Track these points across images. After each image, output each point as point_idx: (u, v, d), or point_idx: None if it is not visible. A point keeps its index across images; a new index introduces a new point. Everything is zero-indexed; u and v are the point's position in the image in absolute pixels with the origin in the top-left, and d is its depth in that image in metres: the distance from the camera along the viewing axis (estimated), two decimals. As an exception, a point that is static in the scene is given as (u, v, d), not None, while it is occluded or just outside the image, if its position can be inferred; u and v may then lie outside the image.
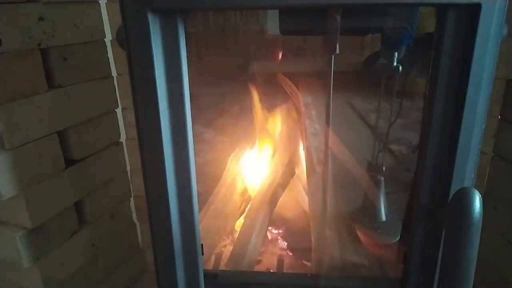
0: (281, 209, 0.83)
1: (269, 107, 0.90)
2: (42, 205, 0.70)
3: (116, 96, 0.87)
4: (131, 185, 0.96)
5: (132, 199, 0.97)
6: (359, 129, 0.90)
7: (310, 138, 0.81)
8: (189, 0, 0.44)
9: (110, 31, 0.83)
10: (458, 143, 0.46)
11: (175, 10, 0.45)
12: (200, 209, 0.55)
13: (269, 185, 0.78)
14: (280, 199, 0.79)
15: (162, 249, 0.55)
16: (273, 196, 0.76)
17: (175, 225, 0.53)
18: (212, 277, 0.60)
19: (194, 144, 0.51)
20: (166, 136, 0.49)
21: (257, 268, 0.72)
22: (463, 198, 0.44)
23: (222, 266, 0.71)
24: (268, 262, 0.74)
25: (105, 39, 0.83)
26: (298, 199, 0.83)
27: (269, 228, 0.79)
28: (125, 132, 0.94)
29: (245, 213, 0.80)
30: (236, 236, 0.74)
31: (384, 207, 0.75)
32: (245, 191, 0.84)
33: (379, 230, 0.74)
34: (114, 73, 0.86)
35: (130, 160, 0.94)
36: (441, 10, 0.43)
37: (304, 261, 0.74)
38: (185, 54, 0.47)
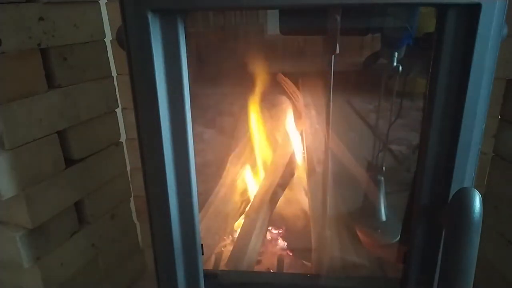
0: (281, 209, 0.83)
1: (269, 107, 0.90)
2: (42, 205, 0.70)
3: (116, 96, 0.87)
4: (131, 185, 0.96)
5: (132, 199, 0.97)
6: (359, 129, 0.90)
7: (310, 138, 0.81)
8: (189, 0, 0.44)
9: (110, 31, 0.83)
10: (458, 143, 0.46)
11: (175, 10, 0.45)
12: (200, 209, 0.55)
13: (269, 185, 0.78)
14: (280, 199, 0.79)
15: (162, 249, 0.55)
16: (273, 196, 0.76)
17: (175, 225, 0.53)
18: (212, 277, 0.60)
19: (194, 144, 0.51)
20: (166, 136, 0.49)
21: (257, 268, 0.72)
22: (463, 198, 0.44)
23: (222, 266, 0.71)
24: (268, 262, 0.74)
25: (105, 39, 0.83)
26: (298, 199, 0.83)
27: (269, 228, 0.79)
28: (125, 132, 0.94)
29: (245, 213, 0.80)
30: (236, 236, 0.74)
31: (384, 207, 0.75)
32: (245, 191, 0.84)
33: (379, 230, 0.74)
34: (114, 73, 0.86)
35: (130, 160, 0.94)
36: (441, 10, 0.43)
37: (304, 261, 0.74)
38: (185, 54, 0.47)
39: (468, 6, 0.42)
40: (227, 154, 0.88)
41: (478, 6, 0.41)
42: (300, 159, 0.83)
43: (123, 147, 0.92)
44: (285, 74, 0.92)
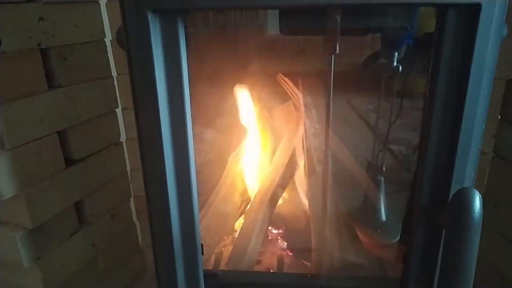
0: (281, 209, 0.83)
1: (269, 107, 0.90)
2: (42, 205, 0.70)
3: (116, 96, 0.87)
4: (131, 185, 0.96)
5: (132, 199, 0.97)
6: (359, 129, 0.90)
7: (310, 138, 0.81)
8: (189, 0, 0.44)
9: (110, 31, 0.83)
10: (458, 143, 0.46)
11: (175, 10, 0.45)
12: (200, 209, 0.55)
13: (269, 185, 0.78)
14: (280, 199, 0.79)
15: (162, 249, 0.55)
16: (273, 196, 0.76)
17: (175, 225, 0.53)
18: (212, 277, 0.60)
19: (194, 144, 0.51)
20: (166, 136, 0.49)
21: (257, 268, 0.72)
22: (463, 198, 0.44)
23: (222, 266, 0.71)
24: (268, 262, 0.74)
25: (105, 39, 0.83)
26: (298, 199, 0.83)
27: (269, 228, 0.79)
28: (125, 132, 0.94)
29: (245, 213, 0.80)
30: (236, 236, 0.74)
31: (384, 207, 0.75)
32: (245, 191, 0.84)
33: (379, 230, 0.74)
34: (114, 73, 0.86)
35: (130, 160, 0.94)
36: (441, 10, 0.43)
37: (304, 261, 0.74)
38: (185, 54, 0.47)
39: (468, 6, 0.42)
40: (227, 154, 0.88)
41: (478, 6, 0.41)
42: (300, 159, 0.83)
43: (123, 147, 0.92)
44: (285, 74, 0.92)
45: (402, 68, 0.63)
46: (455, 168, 0.47)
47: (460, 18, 0.42)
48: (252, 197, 0.82)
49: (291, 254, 0.77)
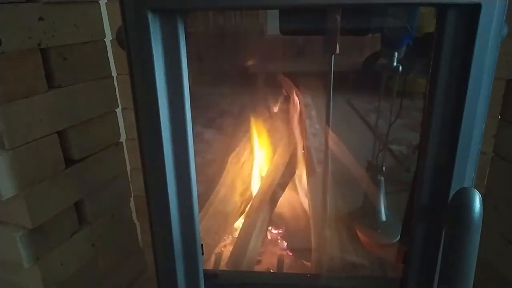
0: (281, 209, 0.83)
1: (269, 107, 0.90)
2: (42, 205, 0.70)
3: (116, 96, 0.87)
4: (131, 185, 0.96)
5: (132, 199, 0.97)
6: (359, 129, 0.90)
7: (310, 138, 0.81)
8: (189, 0, 0.44)
9: (110, 31, 0.83)
10: (458, 143, 0.46)
11: (175, 10, 0.45)
12: (200, 209, 0.55)
13: (269, 185, 0.78)
14: (280, 199, 0.79)
15: (162, 249, 0.55)
16: (273, 196, 0.76)
17: (175, 225, 0.53)
18: (212, 277, 0.60)
19: (194, 144, 0.51)
20: (166, 136, 0.49)
21: (257, 268, 0.72)
22: (463, 198, 0.44)
23: (222, 266, 0.71)
24: (268, 262, 0.74)
25: (105, 39, 0.83)
26: (298, 199, 0.84)
27: (269, 228, 0.79)
28: (125, 132, 0.94)
29: (245, 213, 0.80)
30: (236, 236, 0.74)
31: (384, 207, 0.75)
32: (245, 191, 0.84)
33: (379, 230, 0.74)
34: (114, 73, 0.86)
35: (130, 160, 0.94)
36: (441, 10, 0.43)
37: (304, 261, 0.74)
38: (185, 54, 0.47)
39: (468, 6, 0.42)
40: (227, 154, 0.88)
41: (478, 6, 0.41)
42: (300, 159, 0.83)
43: (123, 147, 0.92)
44: (285, 74, 0.92)
45: (402, 68, 0.63)
46: (455, 168, 0.47)
47: (460, 18, 0.42)
48: (252, 197, 0.82)
49: (291, 254, 0.77)
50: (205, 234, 0.71)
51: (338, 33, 0.54)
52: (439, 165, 0.48)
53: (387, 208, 0.75)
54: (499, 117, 0.81)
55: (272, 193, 0.76)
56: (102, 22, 0.82)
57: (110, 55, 0.85)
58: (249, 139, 0.89)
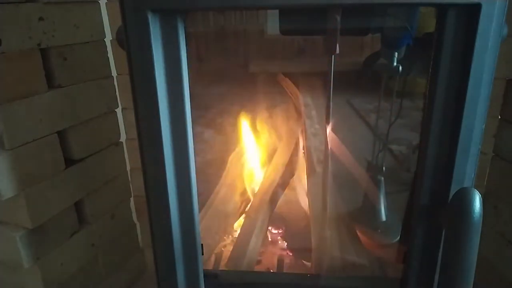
0: (281, 209, 0.83)
1: (269, 107, 0.90)
2: (42, 205, 0.70)
3: (116, 96, 0.87)
4: (131, 185, 0.96)
5: (132, 199, 0.97)
6: (359, 129, 0.90)
7: (310, 138, 0.81)
8: (189, 0, 0.44)
9: (110, 31, 0.83)
10: (458, 143, 0.46)
11: (175, 10, 0.45)
12: (200, 209, 0.55)
13: (269, 185, 0.78)
14: (280, 199, 0.79)
15: (162, 249, 0.55)
16: (273, 196, 0.76)
17: (175, 225, 0.53)
18: (212, 277, 0.60)
19: (194, 144, 0.51)
20: (166, 136, 0.49)
21: (257, 268, 0.72)
22: (463, 198, 0.44)
23: (222, 266, 0.71)
24: (268, 262, 0.74)
25: (105, 39, 0.83)
26: (298, 199, 0.83)
27: (269, 228, 0.79)
28: (125, 132, 0.94)
29: (245, 213, 0.80)
30: (236, 236, 0.74)
31: (384, 207, 0.75)
32: (245, 191, 0.84)
33: (379, 230, 0.74)
34: (114, 73, 0.86)
35: (130, 160, 0.94)
36: (441, 10, 0.43)
37: (304, 261, 0.74)
38: (185, 54, 0.47)
39: (468, 6, 0.42)
40: (227, 154, 0.88)
41: (478, 6, 0.41)
42: (300, 159, 0.83)
43: (123, 147, 0.92)
44: (285, 74, 0.92)
45: (402, 68, 0.63)
46: (455, 168, 0.47)
47: (460, 18, 0.42)
48: (252, 197, 0.82)
49: (291, 254, 0.77)
50: (205, 234, 0.71)
51: (338, 33, 0.54)
52: (439, 165, 0.48)
53: (387, 208, 0.75)
54: (499, 117, 0.81)
55: (272, 193, 0.76)
56: (102, 22, 0.82)
57: (110, 55, 0.85)
58: (249, 139, 0.89)
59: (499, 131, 0.81)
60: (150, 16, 0.44)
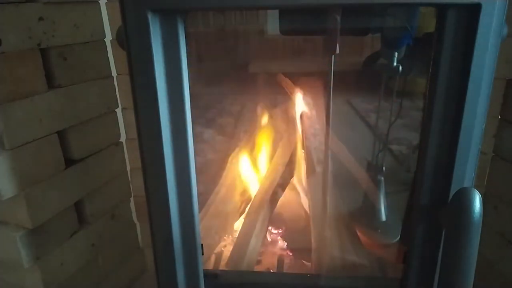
0: (281, 209, 0.83)
1: (269, 107, 0.90)
2: (42, 205, 0.70)
3: (116, 96, 0.87)
4: (131, 185, 0.96)
5: (132, 199, 0.97)
6: (359, 129, 0.90)
7: (310, 138, 0.81)
8: (189, 0, 0.44)
9: (110, 31, 0.83)
10: (458, 143, 0.46)
11: (175, 10, 0.45)
12: (200, 209, 0.55)
13: (269, 185, 0.78)
14: (280, 199, 0.79)
15: (162, 249, 0.55)
16: (273, 196, 0.76)
17: (175, 225, 0.53)
18: (212, 277, 0.60)
19: (194, 144, 0.51)
20: (166, 136, 0.49)
21: (257, 268, 0.72)
22: (463, 198, 0.44)
23: (222, 266, 0.71)
24: (268, 262, 0.74)
25: (105, 39, 0.83)
26: (298, 199, 0.84)
27: (269, 228, 0.79)
28: (125, 132, 0.94)
29: (245, 213, 0.80)
30: (236, 236, 0.74)
31: (384, 207, 0.75)
32: (245, 191, 0.84)
33: (379, 230, 0.74)
34: (114, 73, 0.86)
35: (130, 160, 0.94)
36: (441, 10, 0.43)
37: (304, 261, 0.74)
38: (185, 54, 0.47)
39: (468, 6, 0.42)
40: (227, 154, 0.88)
41: (478, 6, 0.41)
42: (300, 159, 0.83)
43: (123, 147, 0.92)
44: (285, 74, 0.92)
45: (402, 68, 0.63)
46: (455, 168, 0.47)
47: (460, 18, 0.42)
48: (252, 197, 0.82)
49: (291, 254, 0.77)
50: (205, 234, 0.71)
51: (338, 33, 0.54)
52: (439, 165, 0.48)
53: (387, 208, 0.75)
54: (499, 117, 0.81)
55: (272, 193, 0.76)
56: (102, 22, 0.82)
57: (110, 55, 0.85)
58: (249, 139, 0.89)
59: (499, 131, 0.81)
60: (150, 16, 0.44)
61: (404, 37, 0.62)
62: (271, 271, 0.73)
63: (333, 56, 0.58)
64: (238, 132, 0.91)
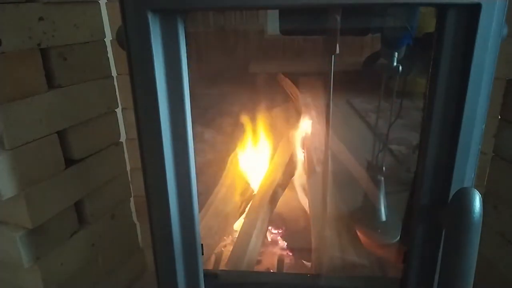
0: (281, 209, 0.83)
1: (269, 107, 0.90)
2: (42, 205, 0.70)
3: (116, 96, 0.87)
4: (131, 185, 0.96)
5: (132, 199, 0.97)
6: (359, 129, 0.90)
7: (310, 138, 0.81)
8: (189, 0, 0.44)
9: (110, 31, 0.83)
10: (458, 143, 0.46)
11: (175, 10, 0.45)
12: (200, 209, 0.55)
13: (269, 185, 0.78)
14: (280, 199, 0.79)
15: (162, 249, 0.55)
16: (273, 196, 0.76)
17: (175, 225, 0.53)
18: (212, 277, 0.60)
19: (194, 144, 0.51)
20: (166, 136, 0.49)
21: (257, 268, 0.72)
22: (463, 198, 0.44)
23: (222, 266, 0.71)
24: (268, 262, 0.74)
25: (105, 39, 0.83)
26: (298, 199, 0.84)
27: (269, 228, 0.79)
28: (125, 132, 0.94)
29: (245, 213, 0.80)
30: (236, 236, 0.74)
31: (384, 207, 0.75)
32: (245, 191, 0.84)
33: (379, 230, 0.74)
34: (114, 73, 0.86)
35: (130, 160, 0.94)
36: (441, 10, 0.43)
37: (304, 261, 0.74)
38: (185, 54, 0.47)
39: (468, 6, 0.42)
40: (227, 154, 0.88)
41: (478, 6, 0.41)
42: (300, 159, 0.83)
43: (123, 147, 0.92)
44: (285, 74, 0.92)
45: (402, 68, 0.63)
46: (455, 168, 0.47)
47: (460, 18, 0.42)
48: (252, 197, 0.82)
49: (291, 254, 0.77)
50: (205, 234, 0.71)
51: (338, 33, 0.54)
52: (439, 165, 0.48)
53: (387, 208, 0.75)
54: (499, 117, 0.81)
55: (272, 193, 0.76)
56: (102, 22, 0.82)
57: (110, 55, 0.85)
58: (249, 139, 0.89)
59: (499, 131, 0.81)
60: (150, 16, 0.44)
61: (404, 37, 0.61)
62: (271, 271, 0.73)
63: (333, 56, 0.57)
64: (238, 132, 0.91)
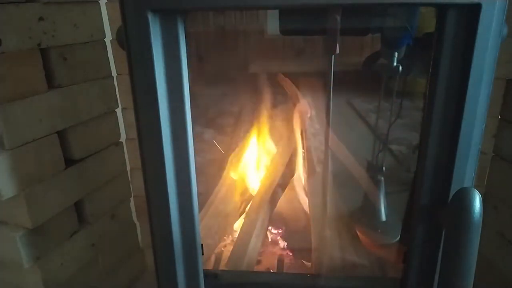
0: (281, 209, 0.83)
1: (269, 107, 0.90)
2: (42, 205, 0.70)
3: (116, 96, 0.87)
4: (131, 185, 0.96)
5: (132, 199, 0.97)
6: (359, 129, 0.90)
7: (310, 138, 0.81)
8: (189, 0, 0.44)
9: (110, 31, 0.83)
10: (458, 143, 0.46)
11: (175, 10, 0.45)
12: (200, 209, 0.55)
13: (269, 185, 0.78)
14: (280, 199, 0.79)
15: (162, 249, 0.55)
16: (273, 196, 0.76)
17: (175, 225, 0.53)
18: (212, 277, 0.60)
19: (194, 144, 0.51)
20: (166, 136, 0.49)
21: (257, 268, 0.72)
22: (463, 198, 0.44)
23: (222, 266, 0.71)
24: (268, 262, 0.74)
25: (105, 39, 0.83)
26: (298, 199, 0.84)
27: (269, 228, 0.79)
28: (125, 132, 0.94)
29: (245, 213, 0.80)
30: (236, 236, 0.74)
31: (384, 207, 0.75)
32: (245, 191, 0.84)
33: (379, 230, 0.74)
34: (114, 73, 0.86)
35: (130, 160, 0.94)
36: (441, 10, 0.43)
37: (304, 261, 0.74)
38: (185, 54, 0.47)
39: (468, 6, 0.42)
40: (227, 154, 0.88)
41: (478, 6, 0.41)
42: (300, 159, 0.83)
43: (123, 147, 0.92)
44: (285, 74, 0.92)
45: (402, 68, 0.63)
46: (455, 168, 0.47)
47: (460, 18, 0.42)
48: (252, 197, 0.82)
49: (291, 254, 0.77)
50: (205, 234, 0.71)
51: (338, 33, 0.54)
52: (439, 165, 0.48)
53: (387, 208, 0.75)
54: (499, 117, 0.81)
55: (272, 193, 0.76)
56: (102, 22, 0.82)
57: (110, 55, 0.85)
58: (249, 139, 0.89)
59: (499, 131, 0.81)
60: (150, 16, 0.44)
61: (404, 37, 0.61)
62: (271, 271, 0.73)
63: (333, 56, 0.58)
64: (238, 132, 0.91)
